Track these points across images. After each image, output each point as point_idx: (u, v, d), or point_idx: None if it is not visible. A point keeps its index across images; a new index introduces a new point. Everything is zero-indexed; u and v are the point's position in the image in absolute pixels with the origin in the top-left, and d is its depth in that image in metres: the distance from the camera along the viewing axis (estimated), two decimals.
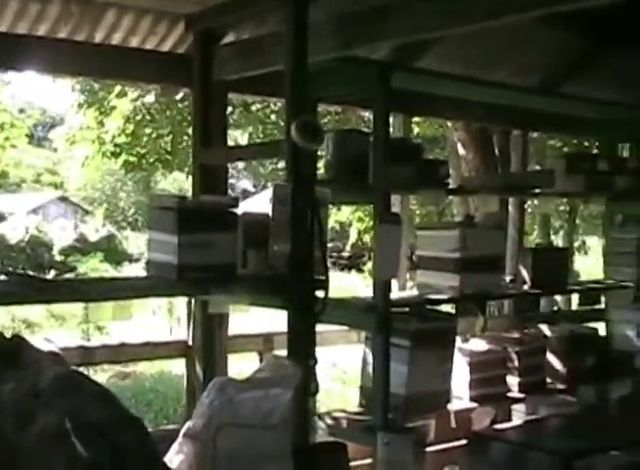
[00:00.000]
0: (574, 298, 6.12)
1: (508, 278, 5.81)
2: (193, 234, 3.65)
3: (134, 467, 2.82)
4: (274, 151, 4.78)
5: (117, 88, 12.79)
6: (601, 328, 6.52)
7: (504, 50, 5.86)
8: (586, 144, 11.48)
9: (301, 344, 3.95)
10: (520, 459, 4.99)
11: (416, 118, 11.53)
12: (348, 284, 18.90)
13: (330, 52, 4.55)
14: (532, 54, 6.10)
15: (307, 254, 3.83)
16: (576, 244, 16.43)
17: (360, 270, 26.66)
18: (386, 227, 4.35)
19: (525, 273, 5.52)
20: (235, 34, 5.03)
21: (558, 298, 10.45)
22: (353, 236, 18.98)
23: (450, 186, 5.17)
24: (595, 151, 9.69)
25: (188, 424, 3.51)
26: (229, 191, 5.38)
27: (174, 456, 3.45)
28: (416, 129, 12.75)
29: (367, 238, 17.83)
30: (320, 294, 3.91)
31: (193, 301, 5.11)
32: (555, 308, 8.68)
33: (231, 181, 24.07)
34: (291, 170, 3.91)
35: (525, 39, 5.89)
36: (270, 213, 3.89)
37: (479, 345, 5.42)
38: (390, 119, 5.48)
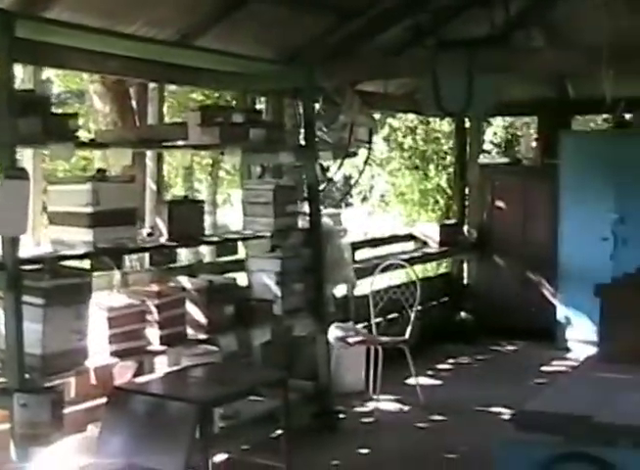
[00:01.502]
0: None
1: (146, 231, 5.79)
2: None
3: None
4: None
5: None
6: (242, 278, 6.67)
7: (138, 2, 5.80)
8: (228, 98, 11.62)
9: None
10: (161, 410, 5.03)
11: (58, 71, 11.23)
12: None
13: None
14: (168, 7, 6.08)
15: None
16: (222, 196, 16.67)
17: None
18: (10, 183, 4.21)
19: (162, 226, 5.54)
20: None
21: (204, 250, 10.57)
22: None
23: (82, 140, 5.07)
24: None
25: None
26: None
27: None
28: (57, 82, 12.43)
29: None
30: None
31: None
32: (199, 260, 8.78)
33: None
34: None
35: None
36: None
37: (117, 299, 5.38)
38: (20, 71, 5.32)
